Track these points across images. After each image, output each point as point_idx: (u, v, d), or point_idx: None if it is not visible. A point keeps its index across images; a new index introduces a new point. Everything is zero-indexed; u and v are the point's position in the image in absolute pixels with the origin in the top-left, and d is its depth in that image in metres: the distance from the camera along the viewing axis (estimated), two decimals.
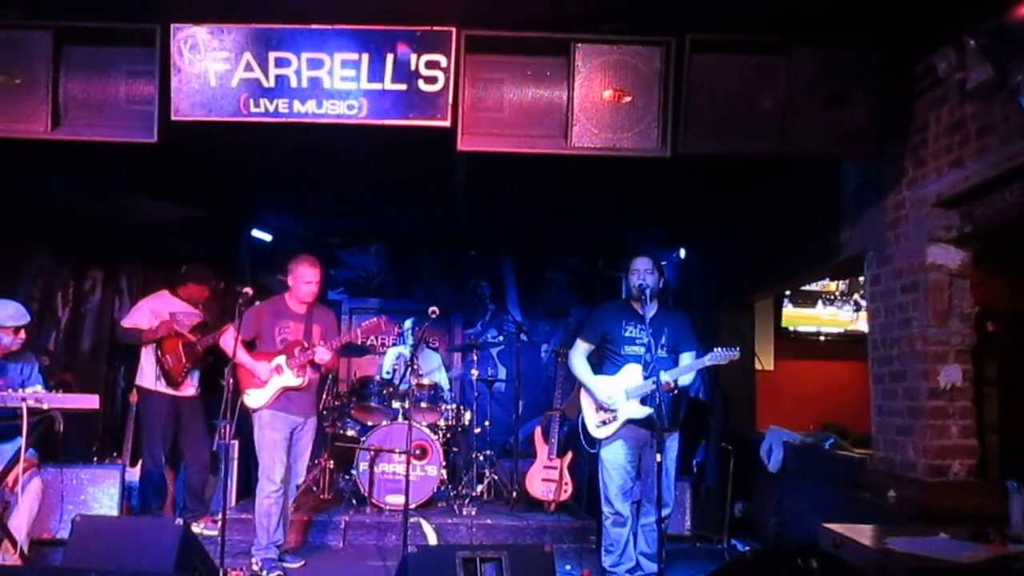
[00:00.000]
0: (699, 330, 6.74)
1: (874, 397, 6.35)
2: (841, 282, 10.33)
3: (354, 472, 8.62)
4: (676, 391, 6.35)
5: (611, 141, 5.57)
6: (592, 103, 5.53)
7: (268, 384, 6.79)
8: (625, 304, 6.68)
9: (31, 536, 6.35)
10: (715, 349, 6.06)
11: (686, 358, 6.46)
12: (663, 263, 7.14)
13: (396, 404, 8.96)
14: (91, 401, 6.10)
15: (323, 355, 6.80)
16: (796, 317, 10.42)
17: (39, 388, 6.33)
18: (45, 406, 5.97)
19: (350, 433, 9.29)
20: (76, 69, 5.52)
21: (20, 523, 6.17)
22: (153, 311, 8.30)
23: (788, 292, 10.14)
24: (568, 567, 7.03)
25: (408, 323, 9.77)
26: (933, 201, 5.59)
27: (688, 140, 5.57)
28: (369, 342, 11.10)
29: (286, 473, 6.84)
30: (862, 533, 4.04)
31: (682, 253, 10.43)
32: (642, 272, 6.46)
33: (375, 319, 7.03)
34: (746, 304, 9.54)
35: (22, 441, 5.90)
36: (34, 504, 6.31)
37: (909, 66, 5.83)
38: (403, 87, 5.51)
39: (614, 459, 6.46)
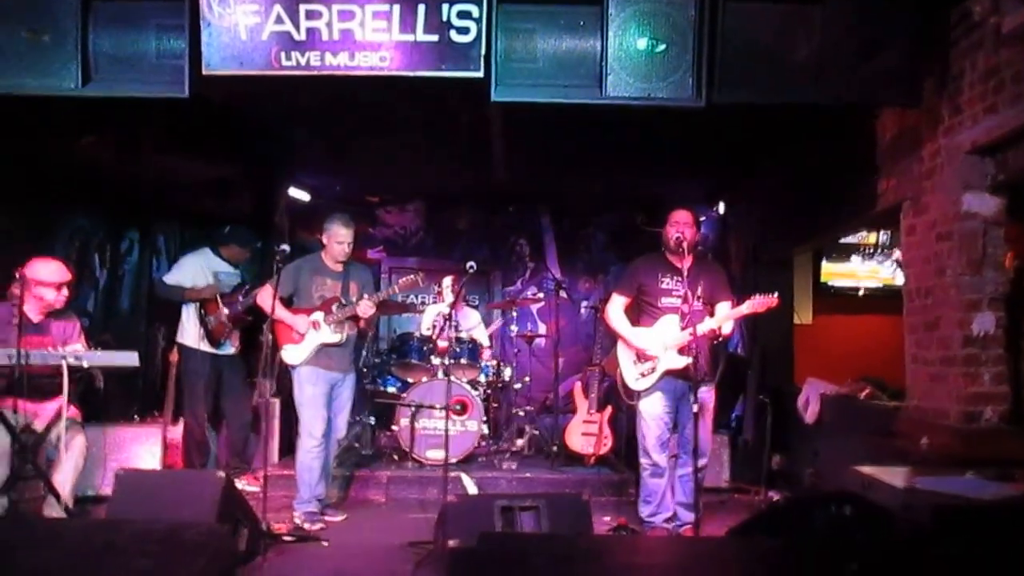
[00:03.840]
0: (738, 286, 6.72)
1: (908, 347, 6.31)
2: (883, 234, 10.22)
3: (395, 428, 8.71)
4: (719, 340, 6.40)
5: (646, 91, 5.49)
6: (626, 53, 5.44)
7: (306, 340, 6.83)
8: (661, 257, 6.65)
9: (75, 492, 6.42)
10: (754, 296, 6.08)
11: (722, 308, 6.44)
12: (702, 218, 7.10)
13: (436, 361, 9.01)
14: (130, 358, 6.16)
15: (366, 308, 6.81)
16: (835, 273, 10.32)
17: (79, 347, 6.42)
18: (85, 363, 6.03)
19: (391, 390, 9.35)
20: (105, 24, 5.47)
21: (65, 479, 6.25)
22: (196, 269, 8.37)
23: (827, 247, 10.05)
24: (607, 519, 7.04)
25: (447, 280, 9.75)
26: (968, 149, 5.50)
27: (723, 90, 5.49)
28: (409, 300, 11.12)
29: (326, 428, 6.89)
30: (890, 474, 4.02)
31: (721, 208, 10.34)
32: (681, 224, 6.44)
33: (413, 276, 7.02)
34: (785, 259, 9.46)
35: (63, 398, 5.96)
36: (79, 460, 6.38)
37: (945, 11, 5.72)
38: (435, 38, 5.46)
39: (652, 410, 6.47)
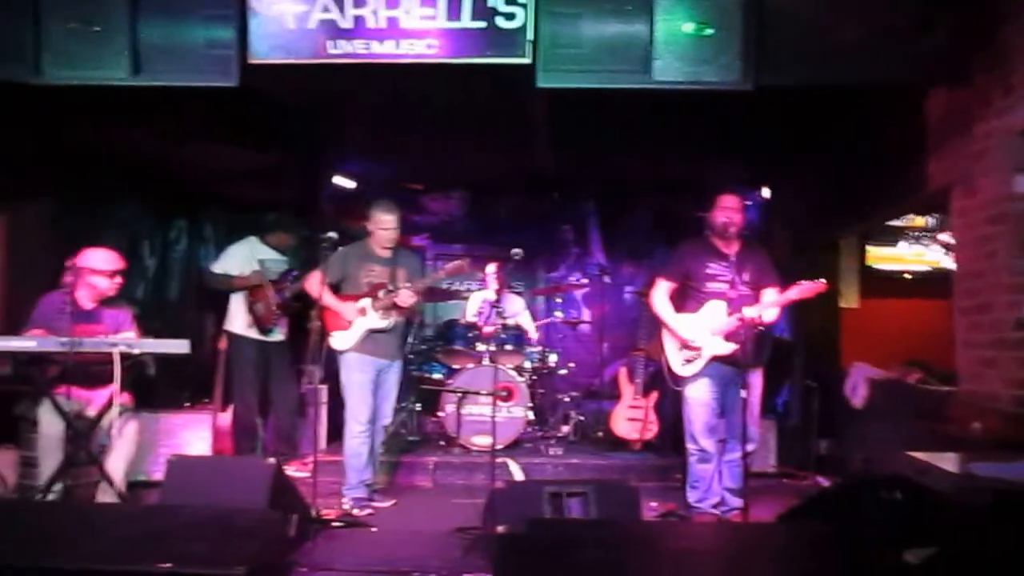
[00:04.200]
0: (783, 269, 6.67)
1: (958, 330, 6.22)
2: (930, 218, 10.14)
3: (441, 414, 8.74)
4: (761, 327, 6.32)
5: (693, 75, 5.48)
6: (673, 36, 5.44)
7: (353, 327, 6.85)
8: (707, 242, 6.59)
9: (127, 478, 6.50)
10: (801, 283, 6.04)
11: (769, 294, 6.40)
12: (747, 202, 7.05)
13: (481, 347, 9.05)
14: (181, 346, 6.17)
15: (406, 298, 6.81)
16: (881, 256, 10.25)
17: (131, 335, 6.49)
18: (136, 351, 6.07)
19: (436, 376, 9.38)
20: (154, 14, 5.56)
21: (117, 464, 6.34)
22: (243, 257, 8.43)
23: (873, 230, 9.98)
24: (654, 504, 7.02)
25: (491, 267, 9.76)
26: (1020, 129, 5.41)
27: (770, 72, 5.48)
28: (454, 287, 11.12)
29: (373, 414, 6.91)
30: (945, 460, 3.99)
31: (765, 192, 10.26)
32: (729, 210, 6.40)
33: (458, 262, 7.01)
34: (830, 242, 9.42)
35: (115, 386, 6.01)
36: (131, 446, 6.47)
37: None
38: (481, 24, 5.51)
39: (699, 396, 6.45)
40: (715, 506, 6.52)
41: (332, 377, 7.56)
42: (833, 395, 8.12)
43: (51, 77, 5.62)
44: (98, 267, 6.44)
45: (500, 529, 5.13)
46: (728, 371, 6.38)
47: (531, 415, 8.91)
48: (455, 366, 9.23)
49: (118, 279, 6.58)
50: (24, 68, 5.59)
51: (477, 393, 8.48)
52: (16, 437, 6.69)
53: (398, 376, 7.22)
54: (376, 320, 6.85)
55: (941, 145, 6.42)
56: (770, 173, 9.96)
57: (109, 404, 6.16)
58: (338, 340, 6.89)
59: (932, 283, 9.94)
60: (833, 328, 9.25)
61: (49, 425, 6.18)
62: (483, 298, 9.76)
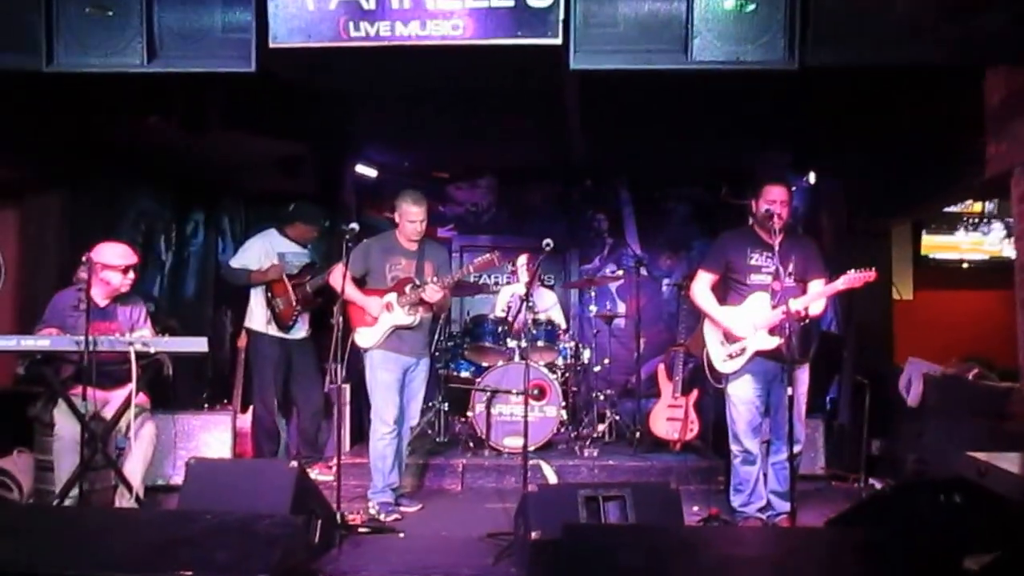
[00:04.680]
0: (831, 259, 6.49)
1: (1021, 323, 6.00)
2: (989, 203, 9.93)
3: (470, 414, 8.56)
4: (807, 320, 6.12)
5: (734, 54, 5.29)
6: (713, 13, 5.24)
7: (379, 322, 6.69)
8: (750, 231, 6.41)
9: (145, 482, 6.37)
10: (849, 272, 5.83)
11: (815, 286, 6.18)
12: (793, 189, 6.83)
13: (511, 344, 8.86)
14: (199, 344, 6.08)
15: (433, 294, 6.61)
16: (937, 245, 10.07)
17: (146, 333, 6.38)
18: (152, 350, 5.96)
19: (464, 374, 9.17)
20: None
21: (135, 468, 6.22)
22: (261, 250, 8.22)
23: (928, 217, 9.79)
24: (696, 508, 6.85)
25: (522, 259, 9.58)
26: None
27: (817, 51, 5.26)
28: (482, 280, 10.95)
29: (400, 415, 6.75)
30: (1008, 460, 3.78)
31: (812, 178, 10.01)
32: (778, 203, 6.15)
33: (488, 255, 6.82)
34: (882, 230, 9.18)
35: (132, 386, 5.88)
36: (148, 449, 6.35)
37: None
38: (510, 4, 5.31)
39: (742, 394, 6.26)
40: (761, 510, 6.36)
41: (355, 375, 7.43)
42: (885, 392, 7.90)
43: (63, 64, 5.49)
44: (110, 262, 6.32)
45: (533, 535, 5.00)
46: (773, 367, 6.20)
47: (565, 415, 8.71)
48: (484, 363, 9.05)
49: (131, 275, 6.46)
50: (35, 55, 5.46)
51: (508, 392, 8.32)
52: (31, 440, 6.62)
53: (425, 374, 7.07)
54: (402, 316, 6.68)
55: (1000, 128, 6.15)
56: (816, 157, 9.71)
57: (126, 405, 6.07)
58: (363, 337, 6.74)
59: (991, 273, 9.82)
60: (885, 321, 9.05)
61: (64, 427, 6.07)
62: (513, 292, 9.58)
